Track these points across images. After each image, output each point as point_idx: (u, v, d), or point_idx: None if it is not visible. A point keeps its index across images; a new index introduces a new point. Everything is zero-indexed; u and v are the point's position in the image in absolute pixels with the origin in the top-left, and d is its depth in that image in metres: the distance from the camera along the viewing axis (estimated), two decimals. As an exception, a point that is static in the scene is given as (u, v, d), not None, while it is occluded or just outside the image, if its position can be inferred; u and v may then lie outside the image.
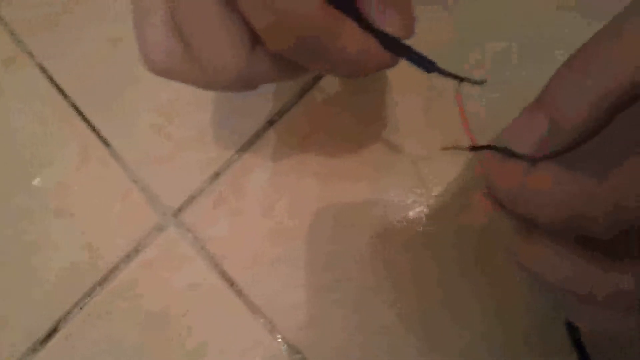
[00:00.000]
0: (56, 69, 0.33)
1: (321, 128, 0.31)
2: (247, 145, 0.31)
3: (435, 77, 0.20)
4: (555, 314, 0.27)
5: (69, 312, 0.30)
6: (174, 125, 0.32)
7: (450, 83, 0.20)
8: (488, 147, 0.19)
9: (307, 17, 0.16)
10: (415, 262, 0.29)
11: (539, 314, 0.28)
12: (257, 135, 0.31)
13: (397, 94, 0.31)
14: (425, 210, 0.29)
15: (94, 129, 0.32)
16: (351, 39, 0.18)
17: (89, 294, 0.30)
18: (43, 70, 0.33)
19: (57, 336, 0.30)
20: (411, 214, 0.29)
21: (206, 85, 0.20)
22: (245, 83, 0.20)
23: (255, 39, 0.18)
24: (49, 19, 0.34)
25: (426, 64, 0.19)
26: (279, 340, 0.29)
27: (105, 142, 0.32)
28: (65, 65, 0.33)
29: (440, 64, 0.20)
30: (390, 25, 0.18)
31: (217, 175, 0.31)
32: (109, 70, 0.33)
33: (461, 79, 0.20)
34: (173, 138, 0.32)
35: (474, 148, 0.20)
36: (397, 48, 0.19)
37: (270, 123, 0.31)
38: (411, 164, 0.30)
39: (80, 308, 0.30)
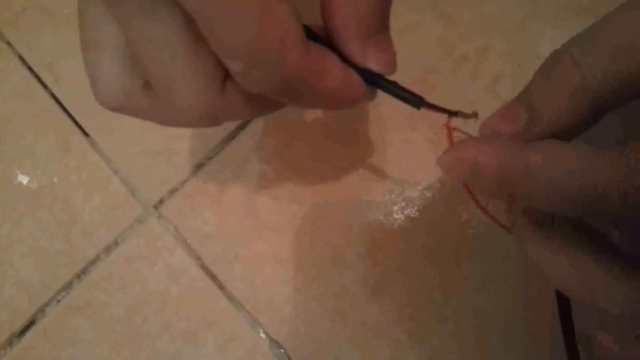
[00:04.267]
0: (35, 59, 0.33)
1: (308, 124, 0.30)
2: (230, 138, 0.31)
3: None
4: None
5: (47, 305, 0.30)
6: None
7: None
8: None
9: (289, 65, 0.15)
10: (397, 259, 0.29)
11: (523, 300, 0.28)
12: (241, 127, 0.31)
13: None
14: (404, 208, 0.29)
15: (73, 120, 0.32)
16: (333, 76, 0.17)
17: (67, 286, 0.30)
18: (22, 60, 0.33)
19: (34, 329, 0.29)
20: (395, 209, 0.29)
21: (167, 122, 0.19)
22: (213, 121, 0.18)
23: (226, 74, 0.17)
24: (28, 9, 0.33)
25: (414, 100, 0.18)
26: (262, 334, 0.29)
27: (85, 133, 0.31)
28: (44, 56, 0.33)
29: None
30: (373, 63, 0.18)
31: (199, 167, 0.31)
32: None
33: (453, 113, 0.19)
34: (155, 130, 0.31)
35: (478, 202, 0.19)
36: (381, 84, 0.18)
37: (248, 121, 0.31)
38: (396, 162, 0.30)
39: (58, 301, 0.30)
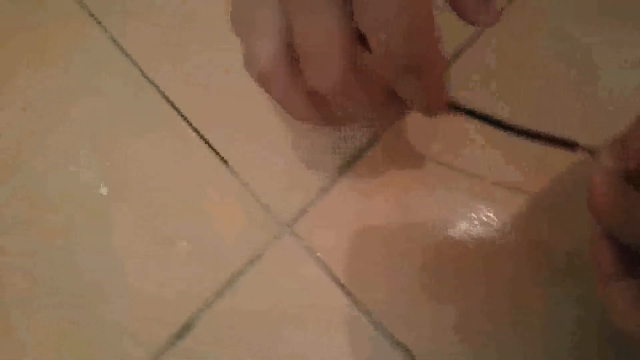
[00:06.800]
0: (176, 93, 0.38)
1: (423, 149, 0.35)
2: (350, 164, 0.35)
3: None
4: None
5: (200, 310, 0.34)
6: (287, 143, 0.36)
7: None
8: None
9: (424, 44, 0.19)
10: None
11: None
12: (358, 156, 0.35)
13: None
14: (491, 219, 0.33)
15: (212, 149, 0.36)
16: (438, 69, 0.22)
17: (218, 294, 0.34)
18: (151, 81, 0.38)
19: (191, 333, 0.34)
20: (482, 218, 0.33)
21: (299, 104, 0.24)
22: (340, 98, 0.22)
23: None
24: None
25: (569, 145, 0.24)
26: (390, 343, 0.32)
27: (224, 161, 0.36)
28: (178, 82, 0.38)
29: None
30: (483, 15, 0.22)
31: (325, 190, 0.35)
32: (226, 94, 0.38)
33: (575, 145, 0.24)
34: (285, 151, 0.36)
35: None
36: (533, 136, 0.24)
37: (371, 143, 0.35)
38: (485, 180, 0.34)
39: (209, 307, 0.34)
